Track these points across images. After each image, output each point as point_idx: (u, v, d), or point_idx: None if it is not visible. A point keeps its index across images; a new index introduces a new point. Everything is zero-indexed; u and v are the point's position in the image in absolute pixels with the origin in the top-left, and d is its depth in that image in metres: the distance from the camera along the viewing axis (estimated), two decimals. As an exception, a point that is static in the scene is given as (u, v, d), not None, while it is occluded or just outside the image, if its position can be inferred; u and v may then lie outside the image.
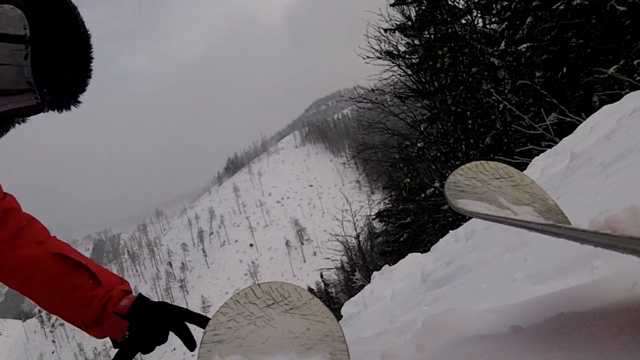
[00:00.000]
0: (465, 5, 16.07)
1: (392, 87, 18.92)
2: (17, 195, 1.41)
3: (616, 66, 9.27)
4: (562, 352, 1.08)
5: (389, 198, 22.26)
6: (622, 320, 1.10)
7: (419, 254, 7.00)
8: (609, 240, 1.00)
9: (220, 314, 1.65)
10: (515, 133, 14.04)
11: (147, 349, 1.43)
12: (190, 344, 1.47)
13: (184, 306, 1.51)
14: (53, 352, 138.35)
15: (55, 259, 1.36)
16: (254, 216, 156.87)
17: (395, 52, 17.53)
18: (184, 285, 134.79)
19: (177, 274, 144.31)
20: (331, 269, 30.55)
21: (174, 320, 1.43)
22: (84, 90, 1.14)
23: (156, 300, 1.47)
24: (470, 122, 16.14)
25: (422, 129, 18.08)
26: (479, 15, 16.15)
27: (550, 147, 7.72)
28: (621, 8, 9.44)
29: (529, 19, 12.31)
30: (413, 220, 18.30)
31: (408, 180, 18.44)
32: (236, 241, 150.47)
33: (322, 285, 32.35)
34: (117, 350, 1.43)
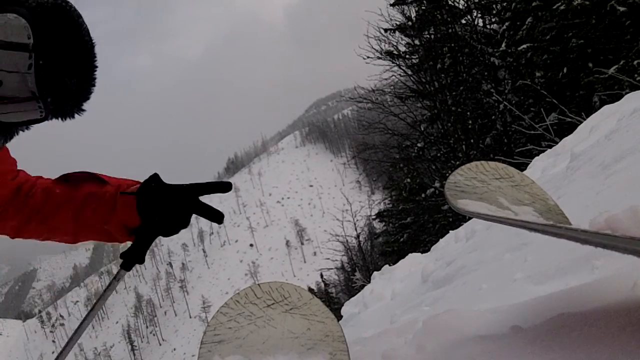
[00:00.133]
0: (466, 5, 16.07)
1: (392, 87, 18.91)
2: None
3: (616, 66, 9.27)
4: (563, 352, 1.08)
5: (389, 198, 22.26)
6: (622, 320, 1.10)
7: (419, 254, 7.00)
8: (610, 240, 1.00)
9: (221, 314, 1.65)
10: (515, 133, 14.03)
11: (166, 230, 1.35)
12: (214, 217, 1.35)
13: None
14: (53, 352, 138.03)
15: (60, 184, 1.40)
16: (254, 216, 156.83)
17: (395, 52, 17.53)
18: (184, 286, 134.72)
19: (177, 274, 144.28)
20: (331, 269, 30.56)
21: (188, 196, 1.34)
22: (87, 99, 1.14)
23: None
24: (470, 122, 16.14)
25: (422, 129, 18.08)
26: (479, 15, 16.14)
27: (550, 147, 7.71)
28: (621, 8, 9.44)
29: (528, 19, 12.30)
30: (413, 220, 18.29)
31: (408, 180, 18.43)
32: (236, 241, 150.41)
33: (322, 285, 32.34)
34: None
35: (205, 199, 1.41)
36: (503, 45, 13.67)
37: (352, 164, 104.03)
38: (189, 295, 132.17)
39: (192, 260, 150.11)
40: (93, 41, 1.12)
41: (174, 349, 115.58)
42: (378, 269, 8.50)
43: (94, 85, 1.14)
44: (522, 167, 7.81)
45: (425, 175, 18.58)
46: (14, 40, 0.98)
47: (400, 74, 18.07)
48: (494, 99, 14.53)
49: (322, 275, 32.83)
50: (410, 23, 17.20)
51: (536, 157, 7.08)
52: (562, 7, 10.57)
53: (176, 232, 1.35)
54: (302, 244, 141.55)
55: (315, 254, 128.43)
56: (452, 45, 16.23)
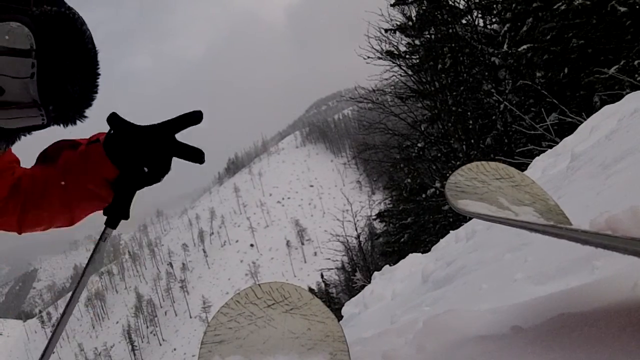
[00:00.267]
0: (466, 5, 16.07)
1: (392, 87, 18.91)
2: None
3: (617, 66, 9.27)
4: (563, 353, 1.08)
5: (390, 198, 22.27)
6: (622, 320, 1.10)
7: (420, 254, 7.00)
8: (610, 241, 1.00)
9: (221, 315, 1.66)
10: (515, 133, 14.03)
11: (147, 178, 1.25)
12: (195, 156, 1.25)
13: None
14: (53, 352, 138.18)
15: (40, 166, 1.38)
16: (254, 216, 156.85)
17: (395, 52, 17.54)
18: (185, 286, 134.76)
19: (177, 274, 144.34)
20: (332, 269, 30.55)
21: (164, 135, 1.22)
22: (89, 106, 1.14)
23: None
24: (470, 122, 16.14)
25: (422, 129, 18.08)
26: (479, 15, 16.14)
27: (550, 147, 7.72)
28: (622, 9, 9.44)
29: (529, 20, 12.30)
30: (414, 220, 18.29)
31: (409, 180, 18.44)
32: (237, 241, 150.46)
33: (323, 285, 32.34)
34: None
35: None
36: (505, 46, 13.67)
37: (353, 164, 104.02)
38: (189, 295, 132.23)
39: (192, 260, 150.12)
40: (96, 49, 1.12)
41: (174, 349, 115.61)
42: (378, 269, 8.50)
43: (96, 93, 1.14)
44: (522, 167, 7.81)
45: (426, 175, 18.58)
46: (17, 47, 0.98)
47: (400, 74, 18.09)
48: (494, 99, 14.53)
49: (322, 276, 32.83)
50: (410, 23, 17.21)
51: (537, 157, 7.08)
52: (562, 7, 10.56)
53: (159, 179, 1.27)
54: (303, 244, 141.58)
55: (315, 254, 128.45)
56: (453, 45, 16.24)
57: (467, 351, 1.36)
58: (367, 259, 23.49)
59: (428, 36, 17.28)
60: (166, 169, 1.25)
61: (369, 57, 17.14)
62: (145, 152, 1.22)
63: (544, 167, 5.86)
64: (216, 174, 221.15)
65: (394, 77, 18.16)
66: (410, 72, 17.80)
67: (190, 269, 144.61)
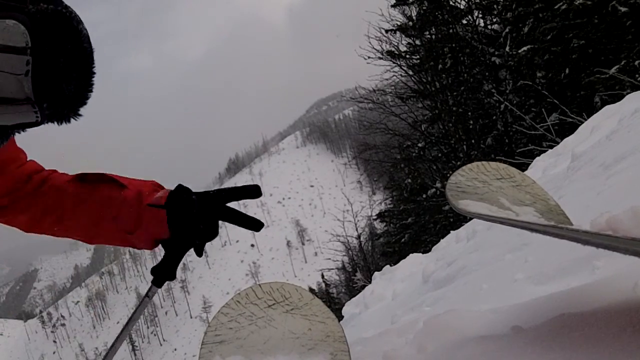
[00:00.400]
0: (467, 5, 16.06)
1: (393, 87, 18.91)
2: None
3: (617, 66, 9.26)
4: (563, 353, 1.08)
5: (390, 198, 22.26)
6: (623, 320, 1.10)
7: (420, 254, 7.00)
8: (611, 241, 1.00)
9: (222, 315, 1.66)
10: (516, 133, 14.03)
11: (197, 244, 1.34)
12: (249, 224, 1.35)
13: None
14: (54, 353, 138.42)
15: (77, 182, 1.39)
16: (254, 216, 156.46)
17: (396, 52, 17.54)
18: (185, 286, 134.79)
19: (178, 274, 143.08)
20: (332, 269, 30.54)
21: (216, 204, 1.32)
22: (84, 104, 1.14)
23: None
24: (471, 122, 16.13)
25: (423, 129, 18.07)
26: (480, 15, 16.13)
27: (551, 147, 7.71)
28: (623, 9, 9.43)
29: (529, 20, 12.30)
30: (414, 220, 18.28)
31: (409, 180, 18.43)
32: (237, 241, 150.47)
33: (323, 285, 32.32)
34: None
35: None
36: (507, 48, 13.66)
37: (353, 164, 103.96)
38: (189, 295, 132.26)
39: (192, 260, 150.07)
40: (92, 48, 1.11)
41: (175, 349, 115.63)
42: (379, 270, 8.50)
43: (91, 91, 1.14)
44: (523, 167, 7.80)
45: (426, 175, 18.58)
46: (12, 44, 0.98)
47: (401, 74, 18.09)
48: (495, 99, 14.52)
49: (323, 276, 32.81)
50: (411, 23, 17.21)
51: (537, 158, 7.08)
52: (563, 7, 10.56)
53: (206, 241, 1.34)
54: (303, 244, 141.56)
55: (316, 254, 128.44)
56: (453, 45, 16.23)
57: (468, 351, 1.36)
58: (368, 259, 23.48)
59: (428, 36, 17.27)
60: (214, 234, 1.33)
61: (369, 57, 17.15)
62: (202, 222, 1.30)
63: (545, 167, 5.86)
64: (217, 174, 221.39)
65: (395, 77, 18.17)
66: (410, 72, 17.79)
67: (191, 269, 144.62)
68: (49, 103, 1.06)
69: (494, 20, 15.75)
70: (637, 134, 3.96)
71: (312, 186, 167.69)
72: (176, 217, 1.29)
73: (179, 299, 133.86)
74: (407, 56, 17.80)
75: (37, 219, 1.38)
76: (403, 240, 18.29)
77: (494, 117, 15.36)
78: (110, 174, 1.40)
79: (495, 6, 14.90)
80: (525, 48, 12.07)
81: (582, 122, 6.77)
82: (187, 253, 1.39)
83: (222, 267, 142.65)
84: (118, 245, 1.42)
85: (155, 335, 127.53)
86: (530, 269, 2.54)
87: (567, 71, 11.25)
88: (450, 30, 16.36)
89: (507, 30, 13.81)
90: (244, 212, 1.41)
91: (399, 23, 17.40)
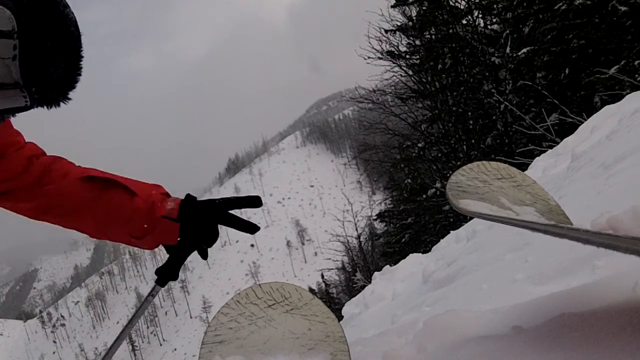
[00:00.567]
0: (466, 5, 16.06)
1: (393, 87, 18.91)
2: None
3: (617, 66, 9.25)
4: (564, 353, 1.08)
5: (390, 198, 22.26)
6: (623, 320, 1.10)
7: (420, 254, 7.00)
8: (611, 240, 1.00)
9: (222, 315, 1.65)
10: (516, 133, 14.03)
11: (200, 248, 1.44)
12: (246, 228, 1.46)
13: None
14: (54, 353, 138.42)
15: (85, 183, 1.41)
16: (254, 217, 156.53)
17: (396, 52, 17.54)
18: (185, 286, 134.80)
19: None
20: (332, 269, 30.54)
21: (220, 211, 1.43)
22: (73, 88, 1.14)
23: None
24: (471, 122, 16.13)
25: (423, 129, 18.07)
26: (480, 15, 16.14)
27: (551, 147, 7.71)
28: (623, 8, 9.43)
29: (529, 21, 12.30)
30: (414, 220, 18.29)
31: (409, 180, 18.43)
32: (237, 242, 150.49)
33: (323, 285, 32.32)
34: (168, 256, 1.43)
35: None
36: (507, 49, 13.66)
37: (353, 164, 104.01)
38: (189, 295, 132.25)
39: (192, 260, 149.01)
40: (80, 32, 1.12)
41: (175, 349, 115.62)
42: (379, 270, 8.50)
43: (79, 75, 1.14)
44: (523, 167, 7.80)
45: (426, 175, 18.58)
46: None
47: (401, 74, 18.09)
48: (494, 99, 14.52)
49: (322, 276, 32.81)
50: (411, 23, 17.20)
51: (537, 158, 7.08)
52: (563, 7, 10.56)
53: (209, 247, 1.43)
54: (303, 244, 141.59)
55: (316, 254, 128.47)
56: (453, 45, 16.23)
57: (468, 351, 1.36)
58: (368, 259, 23.48)
59: (428, 36, 17.27)
60: (216, 238, 1.44)
61: (369, 58, 17.15)
62: (207, 228, 1.41)
63: (545, 167, 5.86)
64: (217, 174, 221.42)
65: (395, 78, 18.17)
66: (410, 73, 17.79)
67: (191, 269, 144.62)
68: (37, 87, 1.06)
69: (494, 20, 15.75)
70: (637, 134, 3.96)
71: (312, 186, 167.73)
72: (188, 228, 1.39)
73: (178, 299, 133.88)
74: (407, 56, 17.80)
75: (42, 210, 1.40)
76: (403, 240, 18.29)
77: (494, 117, 15.36)
78: (119, 178, 1.43)
79: (495, 6, 14.90)
80: (525, 50, 12.07)
81: (582, 122, 6.77)
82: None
83: (222, 267, 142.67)
84: (121, 242, 1.47)
85: (155, 335, 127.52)
86: (530, 269, 2.54)
87: (567, 71, 11.25)
88: (450, 31, 16.36)
89: (507, 31, 13.81)
90: (243, 211, 1.46)
91: (399, 23, 17.41)
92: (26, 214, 1.41)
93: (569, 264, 2.16)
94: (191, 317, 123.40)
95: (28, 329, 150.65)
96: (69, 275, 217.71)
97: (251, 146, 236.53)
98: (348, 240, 25.85)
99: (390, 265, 7.38)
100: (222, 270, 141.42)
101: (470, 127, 16.03)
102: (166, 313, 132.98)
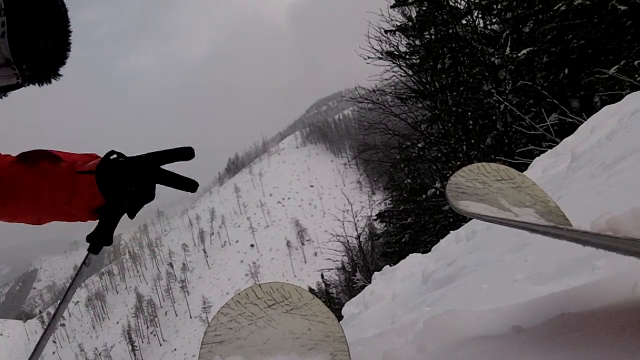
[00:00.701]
0: (466, 5, 16.07)
1: (393, 87, 18.91)
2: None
3: (617, 66, 9.25)
4: (563, 353, 1.08)
5: (390, 199, 22.25)
6: (623, 320, 1.10)
7: (420, 254, 7.00)
8: (611, 242, 1.00)
9: (222, 315, 1.66)
10: (516, 133, 14.02)
11: (131, 208, 1.27)
12: (185, 185, 1.28)
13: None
14: (54, 353, 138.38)
15: (15, 164, 1.33)
16: (254, 217, 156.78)
17: (396, 52, 17.54)
18: (185, 286, 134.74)
19: (178, 274, 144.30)
20: (332, 269, 30.53)
21: (150, 166, 1.26)
22: (63, 64, 1.14)
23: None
24: (471, 122, 16.13)
25: (422, 129, 18.07)
26: (479, 16, 16.14)
27: (551, 147, 7.71)
28: (622, 8, 9.43)
29: (529, 22, 12.31)
30: (414, 220, 18.28)
31: (409, 180, 18.43)
32: (237, 242, 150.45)
33: (323, 285, 32.30)
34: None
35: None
36: (507, 50, 13.66)
37: (353, 164, 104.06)
38: (189, 295, 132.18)
39: (192, 260, 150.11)
40: (66, 7, 1.12)
41: (175, 350, 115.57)
42: (379, 270, 8.50)
43: (69, 50, 1.14)
44: (522, 167, 7.81)
45: (426, 175, 18.58)
46: None
47: (400, 75, 18.09)
48: (494, 99, 14.52)
49: (322, 276, 32.80)
50: (410, 23, 17.21)
51: (537, 158, 7.08)
52: (563, 8, 10.56)
53: (141, 207, 1.29)
54: (303, 244, 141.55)
55: (315, 254, 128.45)
56: (453, 45, 16.23)
57: (468, 351, 1.36)
58: (368, 259, 23.47)
59: (428, 36, 17.27)
60: (150, 197, 1.28)
61: (369, 58, 17.16)
62: (135, 185, 1.25)
63: (545, 167, 5.86)
64: (216, 174, 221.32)
65: (394, 78, 18.18)
66: (410, 73, 17.80)
67: (191, 269, 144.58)
68: (28, 64, 1.06)
69: (494, 20, 15.75)
70: (637, 134, 3.96)
71: (312, 186, 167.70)
72: (106, 180, 1.25)
73: (178, 299, 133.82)
74: (407, 56, 17.81)
75: None
76: (403, 240, 18.29)
77: (494, 117, 15.36)
78: (51, 150, 1.35)
79: (495, 6, 14.90)
80: (525, 50, 12.08)
81: (582, 122, 6.77)
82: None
83: (221, 267, 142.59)
84: (61, 220, 1.37)
85: (155, 335, 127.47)
86: (530, 269, 2.54)
87: (566, 71, 11.25)
88: (450, 31, 16.36)
89: (507, 31, 13.81)
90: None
91: (398, 23, 17.42)
92: None
93: (569, 264, 2.16)
94: (191, 317, 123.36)
95: (28, 329, 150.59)
96: (69, 276, 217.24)
97: (251, 146, 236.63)
98: (348, 240, 25.84)
99: (390, 265, 7.38)
100: (222, 270, 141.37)
101: (470, 127, 16.03)
102: (166, 313, 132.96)
